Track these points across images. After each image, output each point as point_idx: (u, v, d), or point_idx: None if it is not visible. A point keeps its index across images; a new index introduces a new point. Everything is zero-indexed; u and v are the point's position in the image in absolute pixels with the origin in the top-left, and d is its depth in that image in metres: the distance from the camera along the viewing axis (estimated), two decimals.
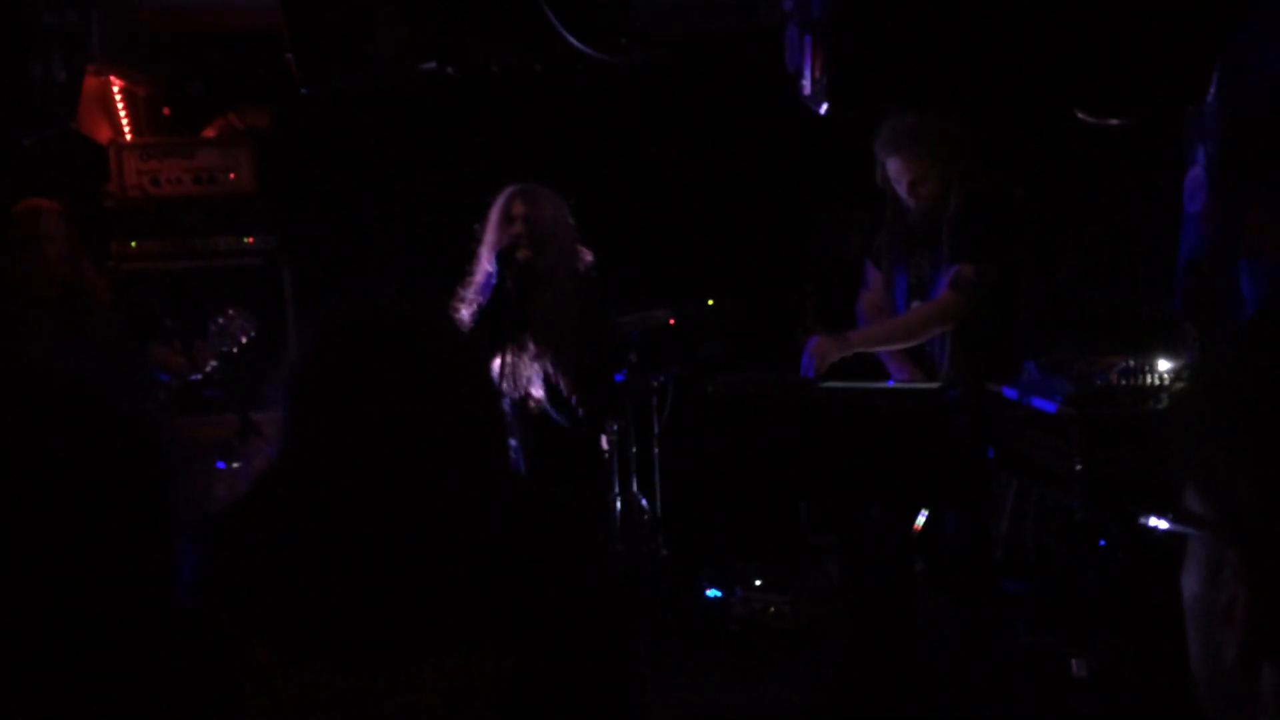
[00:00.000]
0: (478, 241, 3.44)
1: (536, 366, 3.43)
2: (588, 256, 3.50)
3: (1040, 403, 2.68)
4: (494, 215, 3.38)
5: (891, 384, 3.23)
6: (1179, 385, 2.46)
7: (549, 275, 3.34)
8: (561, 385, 3.40)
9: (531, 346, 3.39)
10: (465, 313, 3.39)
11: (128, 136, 4.65)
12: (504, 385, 3.24)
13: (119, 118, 4.66)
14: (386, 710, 1.09)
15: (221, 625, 1.11)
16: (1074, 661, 2.97)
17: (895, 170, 3.12)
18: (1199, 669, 0.64)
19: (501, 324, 3.29)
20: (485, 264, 3.36)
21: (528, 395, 3.46)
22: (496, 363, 3.38)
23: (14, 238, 3.54)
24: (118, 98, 4.64)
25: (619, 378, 4.25)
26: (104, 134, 4.57)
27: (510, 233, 3.28)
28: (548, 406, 3.47)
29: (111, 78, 4.56)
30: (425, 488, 1.14)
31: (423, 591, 1.11)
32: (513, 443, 3.38)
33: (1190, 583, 0.66)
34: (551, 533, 1.18)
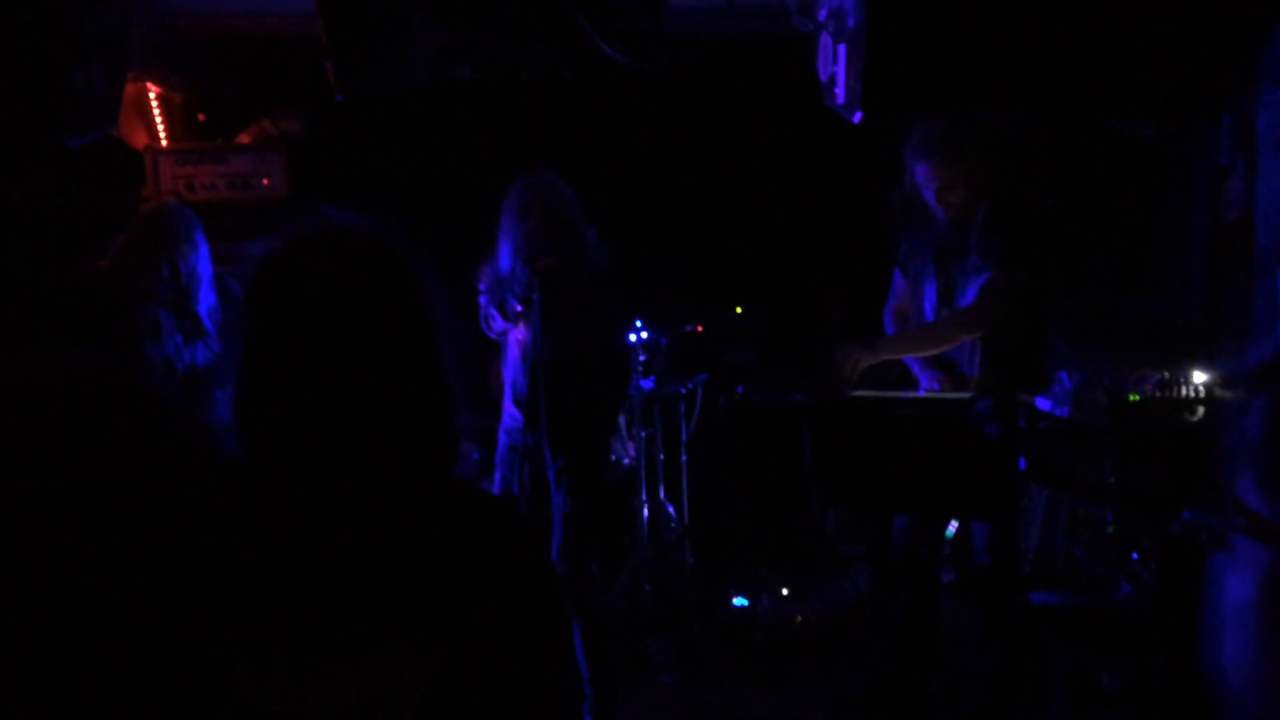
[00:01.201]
0: (498, 237, 3.42)
1: (554, 342, 3.39)
2: (593, 235, 3.49)
3: (1073, 414, 2.66)
4: (510, 211, 3.37)
5: (921, 393, 3.22)
6: (1228, 391, 2.44)
7: (568, 262, 3.32)
8: (575, 356, 3.37)
9: (551, 331, 3.36)
10: (491, 311, 3.38)
11: (163, 142, 4.71)
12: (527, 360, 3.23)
13: (155, 123, 4.72)
14: (311, 706, 1.10)
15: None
16: (1105, 675, 2.94)
17: (924, 177, 3.12)
18: (1244, 671, 0.64)
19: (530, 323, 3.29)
20: (504, 259, 3.35)
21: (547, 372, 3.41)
22: (517, 344, 3.36)
23: (135, 238, 3.48)
24: (154, 103, 4.71)
25: (646, 385, 4.26)
26: (140, 139, 4.64)
27: (528, 226, 3.27)
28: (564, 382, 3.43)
29: (148, 84, 4.62)
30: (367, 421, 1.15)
31: (349, 594, 1.12)
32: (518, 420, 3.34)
33: (1240, 586, 0.65)
34: (483, 541, 1.18)
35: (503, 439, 3.40)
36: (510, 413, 3.38)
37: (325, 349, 1.15)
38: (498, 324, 3.38)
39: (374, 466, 1.16)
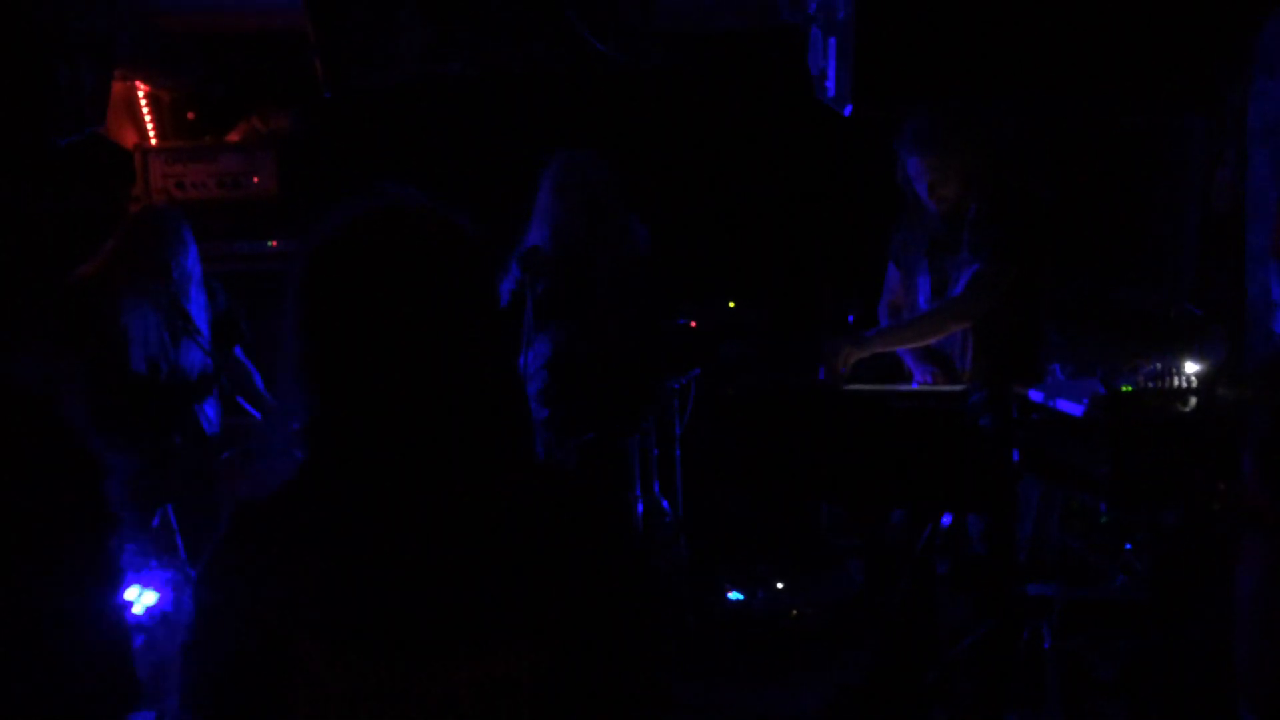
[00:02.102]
0: (529, 212, 3.32)
1: (584, 330, 3.31)
2: (635, 220, 3.42)
3: (1066, 405, 2.66)
4: (547, 188, 3.28)
5: (915, 386, 3.22)
6: (1224, 385, 2.44)
7: (600, 243, 3.25)
8: (607, 346, 3.30)
9: (581, 312, 3.28)
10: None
11: (153, 141, 4.69)
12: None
13: (144, 122, 4.70)
14: (427, 701, 1.09)
15: (268, 619, 1.11)
16: (1100, 665, 2.95)
17: (916, 170, 3.11)
18: (1254, 666, 0.64)
19: (521, 323, 3.24)
20: (534, 236, 3.25)
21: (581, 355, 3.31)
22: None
23: (126, 240, 3.48)
24: (143, 102, 4.69)
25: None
26: (129, 138, 4.62)
27: (566, 205, 3.20)
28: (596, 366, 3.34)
29: (136, 82, 4.60)
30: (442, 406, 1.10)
31: (461, 583, 1.11)
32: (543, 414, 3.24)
33: (1248, 580, 0.65)
34: (585, 522, 1.17)
35: None
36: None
37: (393, 333, 1.09)
38: None
39: (461, 454, 1.13)
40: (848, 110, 2.58)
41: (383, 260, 1.11)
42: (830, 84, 2.65)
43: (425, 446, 1.12)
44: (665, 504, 4.38)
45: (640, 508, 4.22)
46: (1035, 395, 2.76)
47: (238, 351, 3.77)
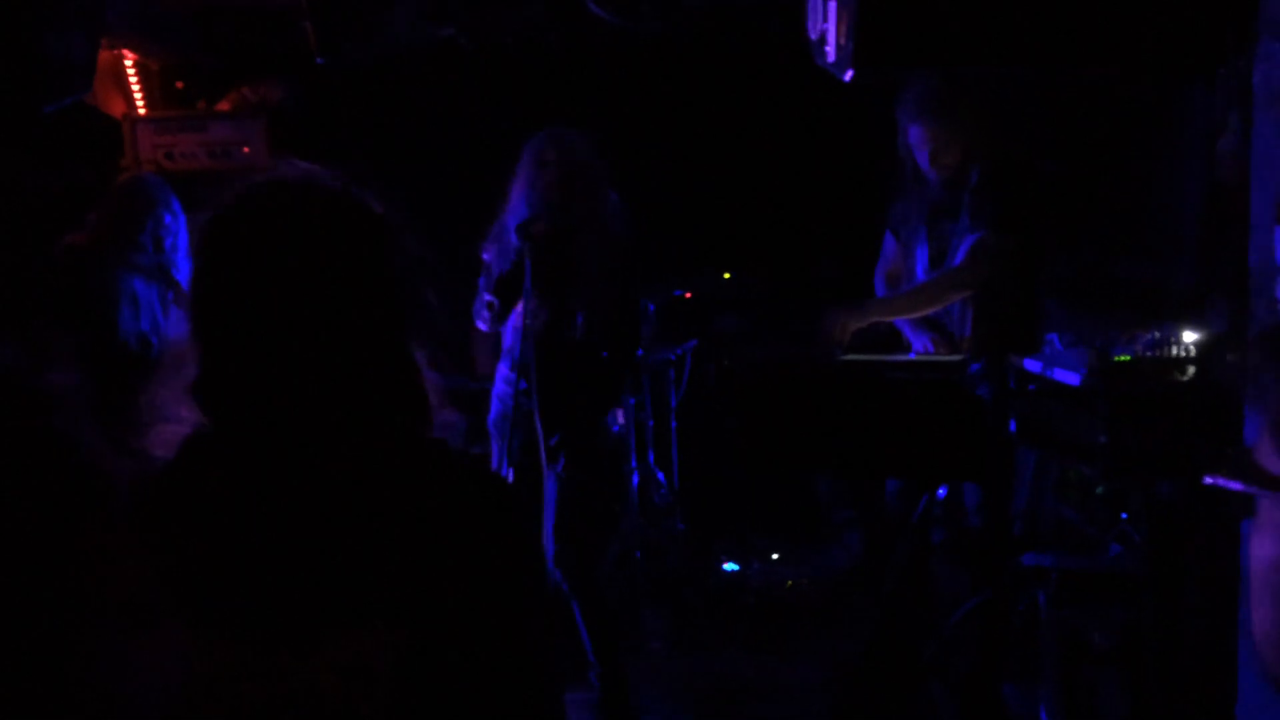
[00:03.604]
0: (508, 191, 3.29)
1: (565, 307, 3.28)
2: (614, 198, 3.39)
3: (1064, 375, 2.65)
4: (527, 160, 3.25)
5: (912, 356, 3.21)
6: (1227, 352, 2.43)
7: (581, 219, 3.22)
8: (587, 324, 3.27)
9: (562, 289, 3.25)
10: (492, 272, 3.27)
11: (141, 110, 4.63)
12: (528, 323, 3.10)
13: (132, 91, 4.64)
14: (290, 687, 1.08)
15: (145, 600, 1.07)
16: (1095, 635, 2.95)
17: (917, 138, 3.09)
18: (1268, 631, 0.63)
19: (519, 291, 3.19)
20: (513, 213, 3.22)
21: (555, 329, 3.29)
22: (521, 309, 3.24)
23: (111, 211, 3.45)
24: (131, 71, 4.63)
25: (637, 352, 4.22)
26: (118, 108, 4.56)
27: (546, 178, 3.17)
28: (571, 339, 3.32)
29: (124, 51, 4.54)
30: (327, 395, 1.12)
31: (326, 563, 1.09)
32: (522, 384, 3.22)
33: (1264, 548, 0.64)
34: (461, 504, 1.15)
35: (495, 405, 3.34)
36: (506, 376, 3.30)
37: (280, 308, 1.11)
38: (484, 325, 3.29)
39: (338, 430, 1.13)
40: (848, 76, 2.54)
41: (269, 231, 1.14)
42: (830, 49, 2.62)
43: (305, 420, 1.12)
44: (660, 476, 4.37)
45: (636, 480, 4.22)
46: (1032, 365, 2.75)
47: None
